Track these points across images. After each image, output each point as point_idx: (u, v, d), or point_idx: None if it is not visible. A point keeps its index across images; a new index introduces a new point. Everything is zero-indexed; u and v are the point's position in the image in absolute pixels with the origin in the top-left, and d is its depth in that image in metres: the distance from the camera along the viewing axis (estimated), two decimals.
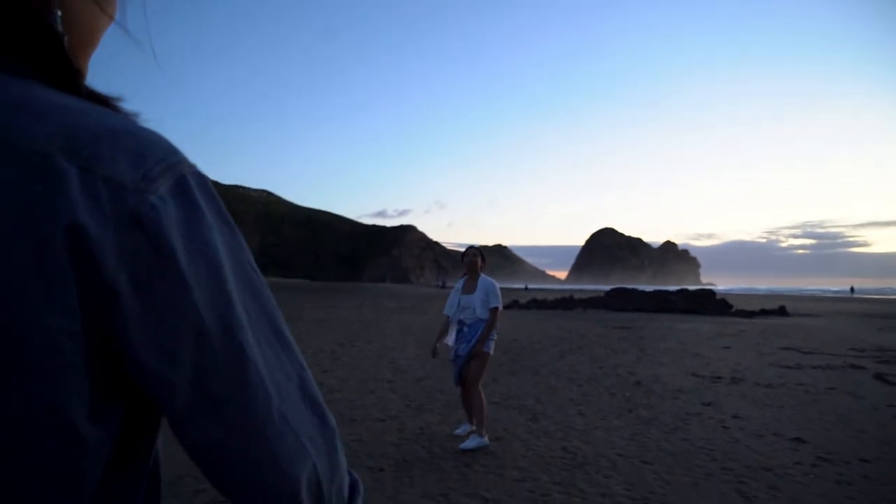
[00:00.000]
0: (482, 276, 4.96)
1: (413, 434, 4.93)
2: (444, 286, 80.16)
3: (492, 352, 4.82)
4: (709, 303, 27.05)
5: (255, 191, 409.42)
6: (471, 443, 4.60)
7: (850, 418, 5.86)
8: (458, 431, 5.06)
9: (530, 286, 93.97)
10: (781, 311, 26.05)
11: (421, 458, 4.28)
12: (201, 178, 0.47)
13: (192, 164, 0.47)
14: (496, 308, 4.74)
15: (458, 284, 5.11)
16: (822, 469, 4.24)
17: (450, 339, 4.95)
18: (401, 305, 26.93)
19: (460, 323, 4.88)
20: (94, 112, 0.43)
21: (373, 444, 4.60)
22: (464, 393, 4.86)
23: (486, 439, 4.67)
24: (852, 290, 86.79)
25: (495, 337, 4.88)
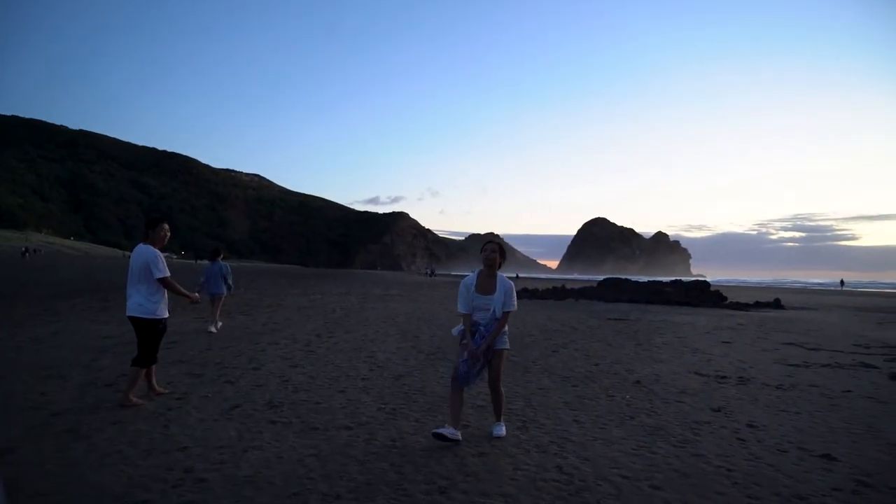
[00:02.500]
0: (500, 274, 4.65)
1: (383, 447, 4.21)
2: (432, 274, 79.36)
3: (507, 346, 4.66)
4: (703, 295, 26.48)
5: (247, 175, 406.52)
6: (501, 430, 4.62)
7: (879, 428, 5.20)
8: (438, 430, 4.50)
9: (521, 275, 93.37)
10: (776, 304, 25.54)
11: (388, 482, 3.56)
12: None
13: None
14: (510, 311, 4.57)
15: (469, 280, 4.68)
16: (865, 498, 3.57)
17: (456, 330, 4.71)
18: (388, 293, 26.19)
19: (474, 324, 4.59)
20: None
21: (332, 461, 3.89)
22: (455, 393, 4.48)
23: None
24: (842, 283, 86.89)
25: (507, 331, 4.66)
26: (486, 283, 4.59)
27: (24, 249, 61.63)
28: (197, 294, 5.61)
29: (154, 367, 5.54)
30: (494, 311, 4.49)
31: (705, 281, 29.93)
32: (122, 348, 8.14)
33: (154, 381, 5.63)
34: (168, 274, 5.35)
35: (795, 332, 13.77)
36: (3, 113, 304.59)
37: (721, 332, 13.26)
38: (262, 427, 4.61)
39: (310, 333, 10.54)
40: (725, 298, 26.12)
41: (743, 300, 26.66)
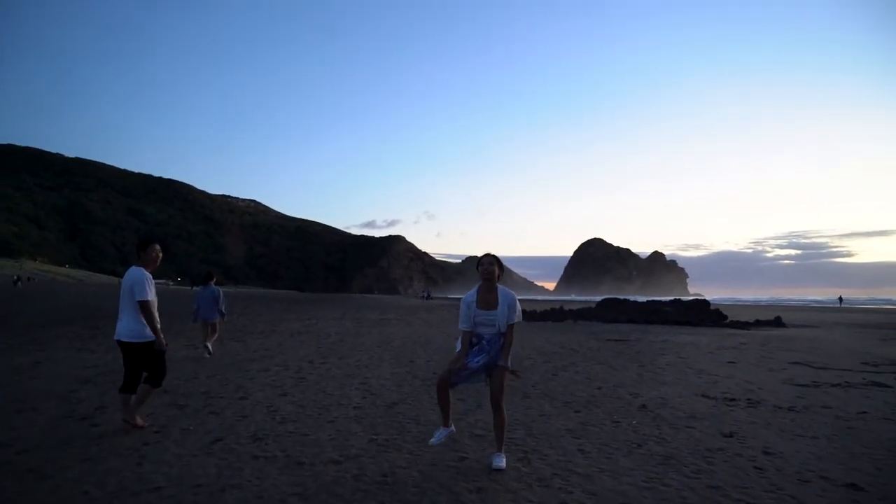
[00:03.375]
0: (500, 287, 4.54)
1: (373, 484, 3.88)
2: (428, 297, 78.84)
3: (510, 366, 4.51)
4: (703, 314, 26.16)
5: (243, 201, 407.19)
6: (501, 461, 4.30)
7: None
8: (433, 441, 4.51)
9: (519, 297, 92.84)
10: (777, 322, 25.24)
11: None
12: None
13: None
14: (515, 323, 4.47)
15: (470, 297, 4.55)
16: None
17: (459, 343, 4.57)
18: (384, 317, 25.81)
19: (477, 337, 4.49)
20: None
21: (317, 500, 3.56)
22: (444, 391, 4.41)
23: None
24: (840, 300, 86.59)
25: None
26: (488, 297, 4.47)
27: (15, 278, 61.09)
28: (164, 342, 5.21)
29: (153, 391, 5.28)
30: (498, 325, 4.39)
31: (705, 300, 29.63)
32: (104, 378, 7.81)
33: (134, 408, 5.29)
34: (150, 298, 5.09)
35: (800, 351, 13.46)
36: None
37: (725, 352, 12.95)
38: (243, 462, 4.27)
39: (302, 360, 10.20)
40: (726, 317, 25.81)
41: (743, 318, 26.36)
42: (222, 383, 7.62)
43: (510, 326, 4.44)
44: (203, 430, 5.20)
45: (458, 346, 4.55)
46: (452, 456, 4.55)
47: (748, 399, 7.26)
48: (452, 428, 4.58)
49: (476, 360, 4.41)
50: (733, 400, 7.21)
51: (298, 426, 5.41)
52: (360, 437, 5.07)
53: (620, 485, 3.97)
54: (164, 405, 6.19)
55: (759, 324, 24.75)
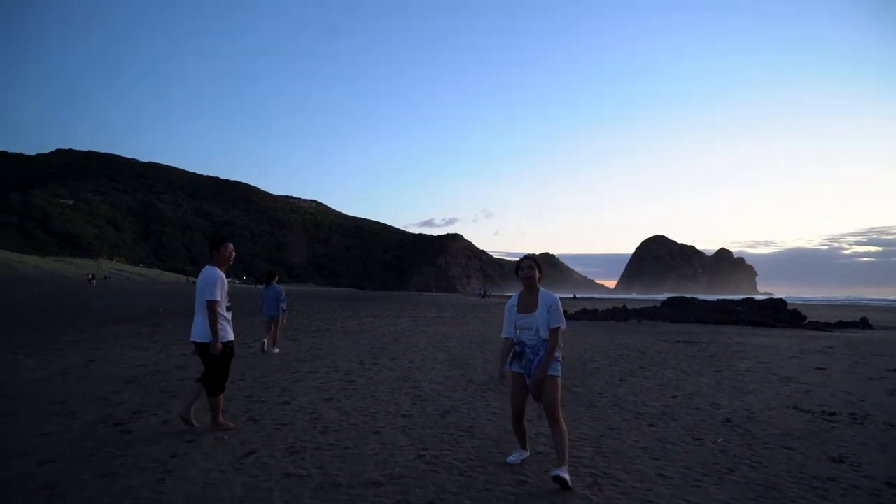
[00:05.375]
0: (542, 290, 4.30)
1: None
2: (485, 295, 78.15)
3: (560, 374, 4.18)
4: (780, 314, 24.48)
5: (305, 201, 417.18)
6: (564, 472, 3.86)
7: None
8: (510, 459, 4.35)
9: (579, 295, 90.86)
10: (864, 324, 23.32)
11: None
12: None
13: None
14: (558, 328, 4.16)
15: (512, 301, 4.39)
16: None
17: (508, 366, 4.37)
18: (440, 316, 25.37)
19: (520, 345, 4.27)
20: None
21: None
22: (518, 420, 4.33)
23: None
24: None
25: (560, 357, 4.23)
26: (528, 300, 4.28)
27: (90, 276, 64.03)
28: (219, 345, 5.05)
29: (220, 396, 5.18)
30: (538, 330, 4.15)
31: (781, 299, 27.77)
32: (150, 378, 7.60)
33: (192, 409, 5.22)
34: (218, 299, 5.01)
35: None
36: (80, 148, 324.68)
37: (810, 357, 11.79)
38: (274, 482, 3.80)
39: (353, 360, 9.81)
40: (804, 318, 24.08)
41: (823, 319, 24.54)
42: (267, 386, 7.26)
43: (553, 332, 4.15)
44: (238, 440, 4.79)
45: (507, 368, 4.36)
46: (510, 479, 3.95)
47: (851, 414, 6.33)
48: (528, 452, 4.46)
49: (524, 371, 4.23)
50: (833, 414, 6.29)
51: (340, 437, 4.93)
52: (406, 452, 4.53)
53: None
54: (202, 410, 5.81)
55: (842, 325, 22.96)
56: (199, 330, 5.04)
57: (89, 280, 60.48)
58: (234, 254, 5.37)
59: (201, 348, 5.04)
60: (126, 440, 4.71)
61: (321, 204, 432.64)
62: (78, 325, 15.38)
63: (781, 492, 3.80)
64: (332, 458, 4.32)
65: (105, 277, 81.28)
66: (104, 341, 11.80)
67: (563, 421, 4.07)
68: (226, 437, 4.83)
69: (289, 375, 8.13)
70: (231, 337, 5.19)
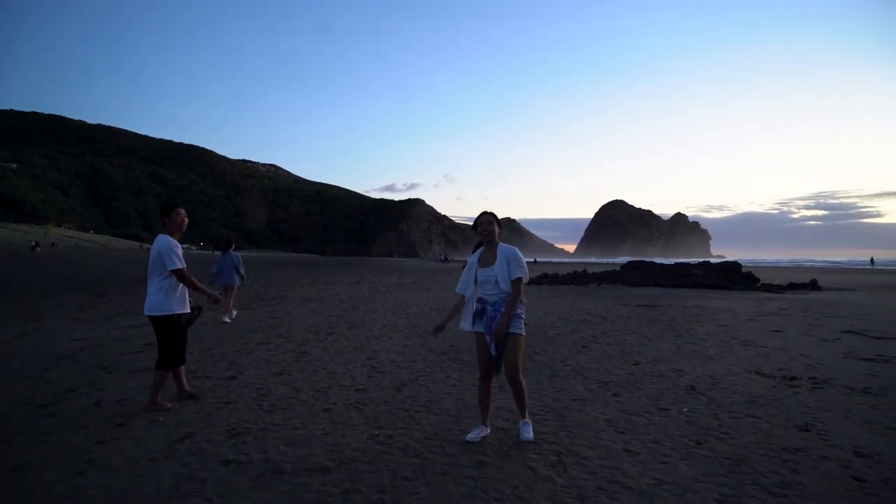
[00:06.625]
0: (501, 244, 4.21)
1: (366, 503, 3.04)
2: (445, 260, 78.14)
3: (523, 332, 4.07)
4: (734, 277, 24.93)
5: (263, 165, 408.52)
6: (528, 432, 4.08)
7: None
8: (469, 437, 4.05)
9: (539, 259, 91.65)
10: (813, 285, 23.96)
11: None
12: None
13: None
14: (520, 279, 4.04)
15: (473, 258, 4.34)
16: None
17: (465, 324, 4.23)
18: (402, 281, 25.06)
19: (480, 302, 4.16)
20: None
21: None
22: (484, 384, 4.19)
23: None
24: (872, 261, 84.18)
25: (524, 315, 4.12)
26: (486, 255, 4.21)
27: (33, 243, 61.33)
28: (218, 294, 4.97)
29: (182, 367, 4.98)
30: (496, 281, 4.05)
31: (736, 262, 28.31)
32: (86, 354, 7.08)
33: (183, 381, 5.04)
34: (183, 266, 4.67)
35: (848, 317, 12.35)
36: (23, 109, 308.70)
37: (766, 319, 11.91)
38: (209, 470, 3.44)
39: (308, 329, 9.42)
40: (758, 280, 24.60)
41: (774, 282, 25.13)
42: (214, 359, 6.84)
43: (515, 282, 4.03)
44: (174, 421, 4.38)
45: (463, 327, 4.25)
46: (470, 460, 3.67)
47: (811, 378, 6.29)
48: (489, 429, 4.21)
49: (485, 330, 4.10)
50: (794, 379, 6.24)
51: (288, 416, 4.58)
52: (359, 432, 4.22)
53: None
54: (140, 388, 5.39)
55: (793, 287, 23.54)
56: (153, 302, 4.72)
57: (32, 247, 57.97)
58: (186, 220, 5.02)
59: (154, 322, 4.75)
60: (47, 425, 4.26)
61: (280, 168, 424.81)
62: (14, 296, 14.51)
63: (751, 465, 3.63)
64: (276, 441, 3.97)
65: (52, 244, 78.13)
66: (43, 312, 11.11)
67: (523, 382, 4.10)
68: (161, 419, 4.43)
69: (239, 347, 7.72)
70: (182, 309, 4.84)
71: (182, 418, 4.48)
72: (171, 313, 4.72)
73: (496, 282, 4.05)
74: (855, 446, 4.02)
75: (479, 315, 4.14)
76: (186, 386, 5.13)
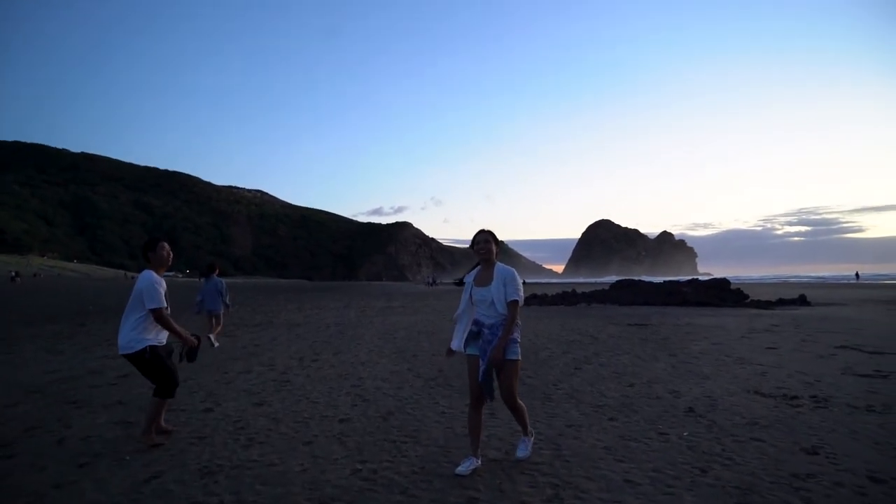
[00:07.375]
0: (498, 263, 4.06)
1: None
2: (433, 283, 77.71)
3: (519, 357, 3.92)
4: (724, 293, 24.90)
5: (250, 191, 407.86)
6: (524, 450, 4.06)
7: None
8: (459, 470, 3.78)
9: (528, 280, 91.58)
10: (802, 301, 23.99)
11: None
12: None
13: None
14: (515, 301, 3.85)
15: (470, 277, 4.19)
16: None
17: (455, 343, 4.11)
18: (390, 305, 24.73)
19: (476, 324, 4.00)
20: None
21: None
22: (475, 412, 3.94)
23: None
24: (857, 275, 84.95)
25: (519, 339, 3.97)
26: (484, 275, 4.06)
27: (13, 274, 60.30)
28: (193, 337, 4.70)
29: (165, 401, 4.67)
30: (492, 303, 3.89)
31: (725, 279, 28.29)
32: (57, 387, 6.74)
33: (161, 417, 4.74)
34: (163, 305, 4.40)
35: (841, 333, 12.24)
36: (4, 139, 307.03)
37: (759, 336, 11.76)
38: None
39: (292, 356, 9.11)
40: (747, 297, 24.59)
41: (763, 298, 25.10)
42: (191, 390, 6.51)
43: (511, 305, 3.85)
44: (143, 460, 4.07)
45: (454, 347, 4.13)
46: (459, 496, 3.41)
47: (812, 396, 6.09)
48: (479, 461, 3.93)
49: (484, 355, 3.87)
50: (795, 398, 6.03)
51: (265, 451, 4.28)
52: (341, 467, 3.93)
53: None
54: (109, 424, 5.08)
55: (783, 303, 23.53)
56: (124, 339, 4.45)
57: (12, 278, 56.97)
58: (171, 253, 4.83)
59: (130, 360, 4.48)
60: (4, 468, 3.94)
61: (266, 194, 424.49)
62: None
63: (761, 494, 3.40)
64: (252, 480, 3.68)
65: (34, 275, 76.93)
66: (17, 344, 10.70)
67: (521, 403, 4.00)
68: (127, 458, 4.12)
69: (218, 377, 7.39)
70: (156, 341, 4.54)
71: (151, 456, 4.17)
72: (143, 346, 4.43)
73: (492, 302, 3.90)
74: (868, 470, 3.81)
75: (474, 337, 3.97)
76: (161, 421, 4.83)
